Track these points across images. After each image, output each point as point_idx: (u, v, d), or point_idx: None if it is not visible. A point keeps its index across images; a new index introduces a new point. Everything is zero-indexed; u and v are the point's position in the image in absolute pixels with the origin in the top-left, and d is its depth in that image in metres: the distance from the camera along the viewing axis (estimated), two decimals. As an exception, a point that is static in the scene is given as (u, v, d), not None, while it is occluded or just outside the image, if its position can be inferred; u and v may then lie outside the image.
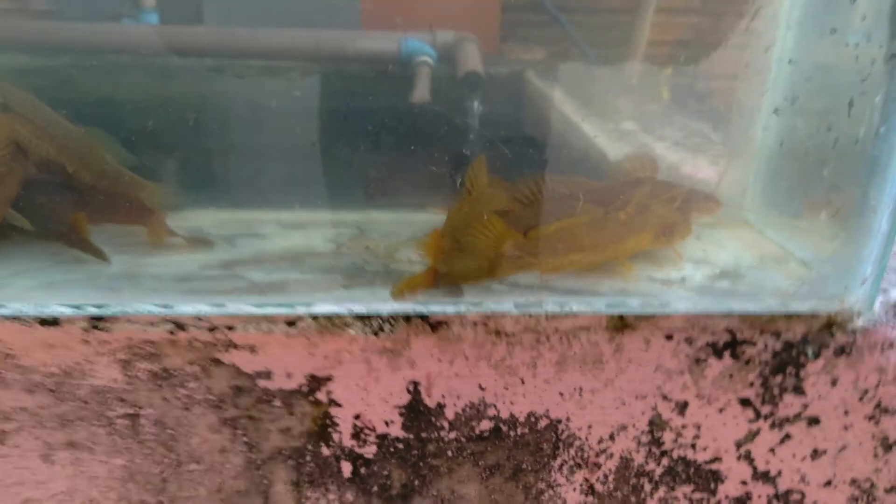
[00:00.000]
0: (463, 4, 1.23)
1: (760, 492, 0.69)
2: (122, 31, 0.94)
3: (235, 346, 0.61)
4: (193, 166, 0.78)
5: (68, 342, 0.61)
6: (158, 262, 0.65)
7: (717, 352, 0.62)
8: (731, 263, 0.68)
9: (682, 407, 0.64)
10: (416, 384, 0.63)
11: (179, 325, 0.60)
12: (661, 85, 0.96)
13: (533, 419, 0.65)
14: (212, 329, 0.61)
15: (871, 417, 0.64)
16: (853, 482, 0.69)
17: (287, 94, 0.99)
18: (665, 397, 0.64)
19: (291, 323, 0.61)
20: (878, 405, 0.63)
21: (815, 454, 0.66)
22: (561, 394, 0.64)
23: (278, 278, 0.62)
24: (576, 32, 1.35)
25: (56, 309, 0.56)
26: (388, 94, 0.97)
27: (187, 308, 0.57)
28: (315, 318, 0.61)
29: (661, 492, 0.69)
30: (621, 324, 0.62)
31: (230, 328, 0.61)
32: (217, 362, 0.62)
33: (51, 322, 0.59)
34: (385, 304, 0.58)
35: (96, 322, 0.60)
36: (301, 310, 0.58)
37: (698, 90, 0.90)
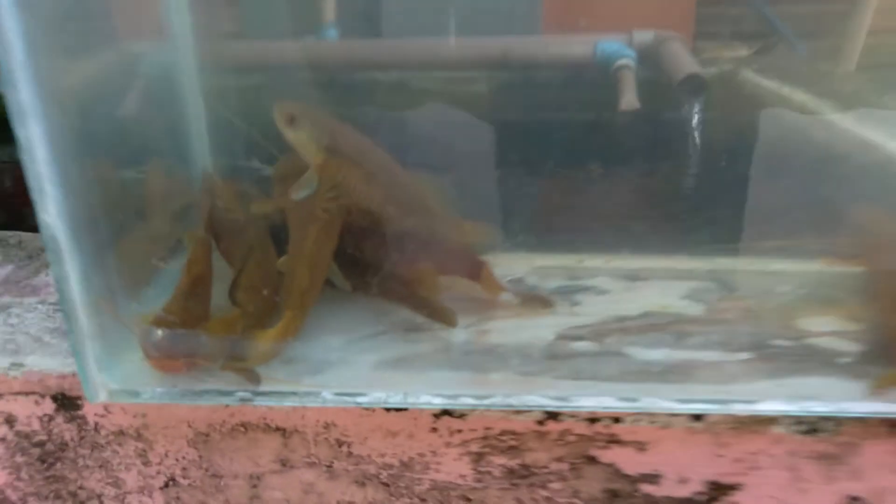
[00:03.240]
0: (654, 1, 1.08)
1: None
2: (303, 48, 0.90)
3: (619, 442, 0.48)
4: (496, 199, 0.66)
5: (414, 430, 0.49)
6: (502, 328, 0.52)
7: None
8: None
9: None
10: (855, 500, 0.48)
11: (551, 415, 0.48)
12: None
13: None
14: (592, 420, 0.48)
15: None
16: None
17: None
18: None
19: (697, 417, 0.47)
20: None
21: None
22: None
23: (672, 357, 0.48)
24: (785, 26, 1.18)
25: (423, 400, 0.44)
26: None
27: (588, 402, 0.44)
28: (730, 411, 0.46)
29: None
30: None
31: (617, 420, 0.47)
32: (591, 460, 0.49)
33: (397, 407, 0.48)
34: (855, 403, 0.43)
35: (450, 410, 0.49)
36: (739, 408, 0.43)
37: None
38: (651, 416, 0.47)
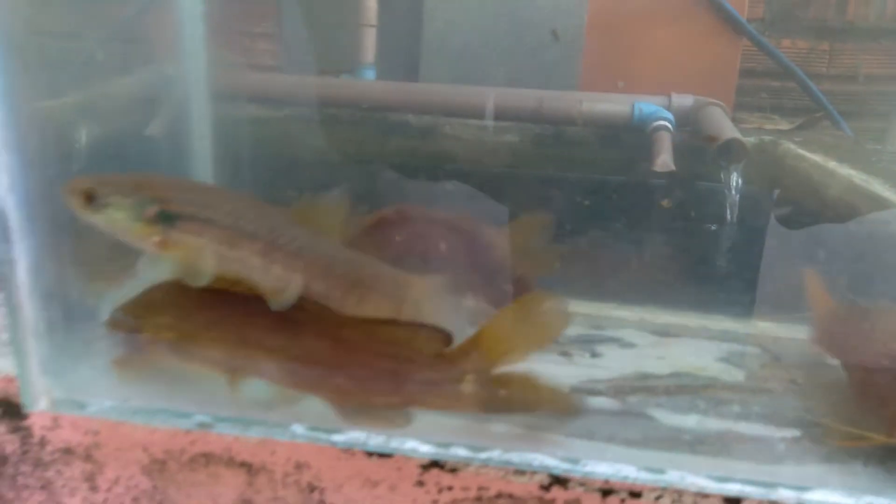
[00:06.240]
0: (695, 68, 1.09)
1: None
2: (340, 86, 0.93)
3: (637, 522, 0.41)
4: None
5: (397, 481, 0.43)
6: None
7: None
8: None
9: None
10: None
11: (559, 480, 0.41)
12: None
13: None
14: (606, 492, 0.40)
15: None
16: None
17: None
18: None
19: (736, 501, 0.40)
20: None
21: None
22: None
23: (705, 427, 0.41)
24: (828, 103, 1.18)
25: (409, 446, 0.38)
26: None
27: (603, 468, 0.37)
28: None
29: None
30: None
31: (635, 495, 0.40)
32: (602, 539, 0.42)
33: (381, 454, 0.42)
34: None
35: (439, 462, 0.42)
36: (787, 495, 0.36)
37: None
38: (677, 493, 0.40)
